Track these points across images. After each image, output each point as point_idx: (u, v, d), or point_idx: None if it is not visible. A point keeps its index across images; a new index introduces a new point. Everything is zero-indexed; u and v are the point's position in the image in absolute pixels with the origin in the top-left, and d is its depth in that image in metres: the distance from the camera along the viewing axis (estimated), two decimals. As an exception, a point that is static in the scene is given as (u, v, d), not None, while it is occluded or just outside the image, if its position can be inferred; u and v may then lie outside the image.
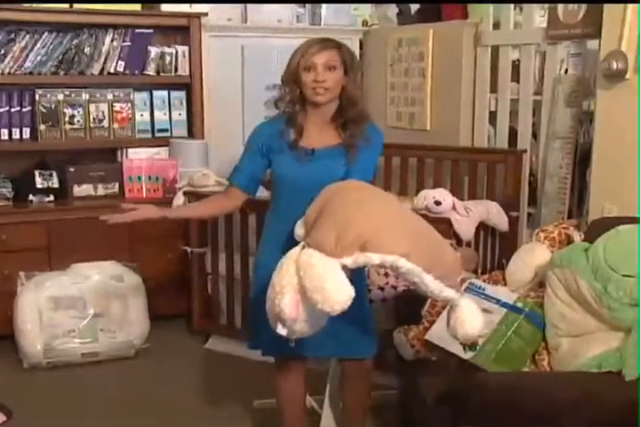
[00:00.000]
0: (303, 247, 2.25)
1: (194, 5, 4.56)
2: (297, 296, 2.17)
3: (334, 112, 2.70)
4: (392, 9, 5.23)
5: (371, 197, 2.40)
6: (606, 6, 3.36)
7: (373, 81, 5.03)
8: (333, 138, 2.70)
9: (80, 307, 3.98)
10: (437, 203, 3.78)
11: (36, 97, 4.35)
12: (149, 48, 4.54)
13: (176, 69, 4.62)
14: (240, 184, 2.78)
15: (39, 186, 4.34)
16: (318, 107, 2.67)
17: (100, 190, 4.49)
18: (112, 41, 4.43)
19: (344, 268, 2.19)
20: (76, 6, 4.29)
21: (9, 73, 4.25)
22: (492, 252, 4.09)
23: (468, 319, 2.30)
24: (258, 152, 2.73)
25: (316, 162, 2.65)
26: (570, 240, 2.90)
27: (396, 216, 2.38)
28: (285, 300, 2.16)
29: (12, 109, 4.32)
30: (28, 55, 4.26)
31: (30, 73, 4.29)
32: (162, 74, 4.60)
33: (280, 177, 2.71)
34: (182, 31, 4.60)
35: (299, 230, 2.42)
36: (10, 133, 4.32)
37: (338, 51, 2.63)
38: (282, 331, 2.23)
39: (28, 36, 4.26)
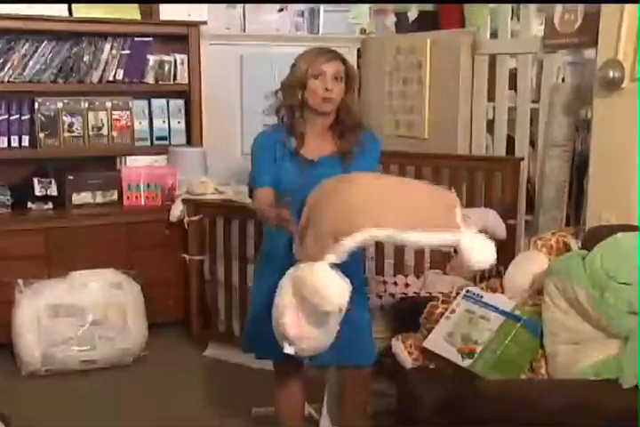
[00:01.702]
0: (296, 265, 2.32)
1: (192, 14, 4.57)
2: (297, 314, 2.24)
3: (332, 122, 2.72)
4: (390, 17, 5.25)
5: (342, 187, 2.39)
6: (603, 15, 3.38)
7: (371, 89, 5.05)
8: (330, 147, 2.73)
9: (78, 315, 3.98)
10: (435, 211, 3.78)
11: (36, 105, 4.36)
12: (148, 56, 4.56)
13: (175, 78, 4.64)
14: (268, 184, 2.70)
15: (38, 194, 4.34)
16: (319, 115, 2.69)
17: (99, 198, 4.49)
18: (111, 49, 4.45)
19: (334, 265, 2.23)
20: (76, 15, 4.31)
21: (8, 81, 4.26)
22: (490, 259, 4.09)
23: (477, 248, 2.35)
24: (272, 157, 2.71)
25: (314, 172, 2.66)
26: (567, 248, 2.90)
27: (369, 195, 2.36)
28: (286, 319, 2.23)
29: (12, 117, 4.34)
30: (27, 63, 4.28)
31: (30, 81, 4.30)
32: (161, 82, 4.62)
33: (281, 185, 2.71)
34: (181, 40, 4.62)
35: (295, 249, 2.43)
36: (9, 141, 4.34)
37: (343, 63, 2.68)
38: (289, 350, 2.29)
39: (27, 44, 4.28)
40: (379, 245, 3.88)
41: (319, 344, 2.32)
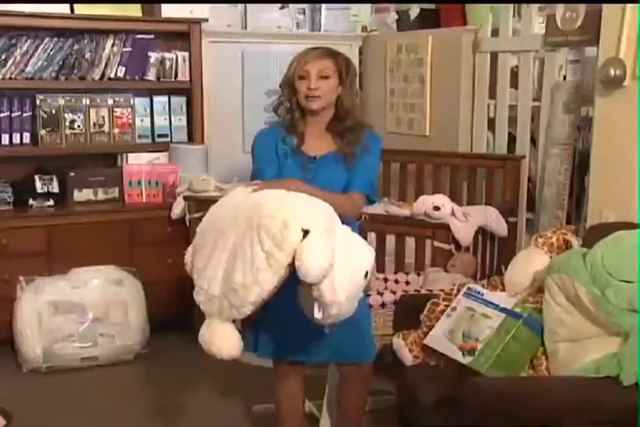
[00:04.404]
0: None
1: (194, 11, 4.57)
2: (331, 279, 2.21)
3: (330, 121, 2.72)
4: (391, 15, 5.25)
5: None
6: (604, 14, 3.39)
7: (372, 87, 5.05)
8: (331, 146, 2.73)
9: (80, 311, 3.99)
10: (436, 208, 3.80)
11: (37, 102, 4.36)
12: (150, 54, 4.55)
13: (176, 75, 4.64)
14: (271, 177, 2.64)
15: (39, 191, 4.34)
16: (314, 114, 2.70)
17: (100, 195, 4.49)
18: (112, 46, 4.44)
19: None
20: (77, 12, 4.31)
21: (10, 78, 4.25)
22: (491, 257, 4.11)
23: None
24: (274, 153, 2.71)
25: (318, 170, 2.68)
26: (568, 246, 2.91)
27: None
28: (324, 284, 2.21)
29: (13, 114, 4.32)
30: (29, 60, 4.27)
31: (31, 78, 4.29)
32: (162, 79, 4.61)
33: None
34: (182, 37, 4.61)
35: None
36: (10, 138, 4.33)
37: (333, 60, 2.67)
38: (318, 315, 2.26)
39: (29, 41, 4.27)
40: (380, 243, 3.89)
41: (344, 311, 2.29)
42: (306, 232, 2.21)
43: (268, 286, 2.24)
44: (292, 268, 2.21)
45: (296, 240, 2.20)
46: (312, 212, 2.31)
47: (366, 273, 2.30)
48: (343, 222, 2.42)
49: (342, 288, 2.22)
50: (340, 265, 2.22)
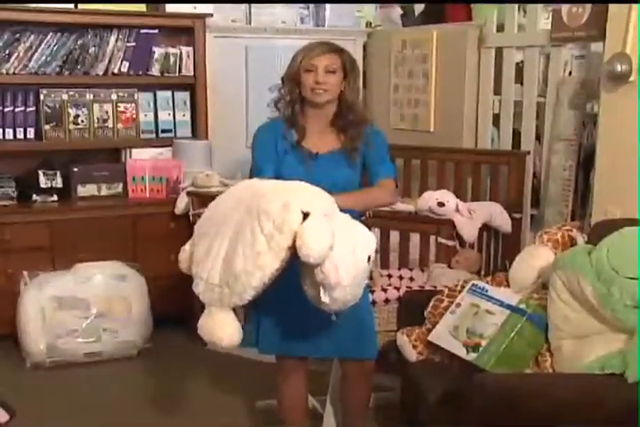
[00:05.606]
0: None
1: (198, 6, 4.56)
2: (333, 261, 2.22)
3: (333, 117, 2.72)
4: (396, 10, 5.23)
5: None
6: (611, 9, 3.37)
7: (377, 83, 5.04)
8: (334, 142, 2.73)
9: (83, 307, 3.99)
10: (441, 204, 3.79)
11: (41, 97, 4.35)
12: (154, 48, 4.54)
13: (180, 70, 4.63)
14: (271, 174, 2.65)
15: (43, 186, 4.33)
16: (317, 108, 2.70)
17: (104, 190, 4.48)
18: (116, 41, 4.43)
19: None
20: (81, 7, 4.30)
21: (14, 73, 4.25)
22: (495, 253, 4.10)
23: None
24: (274, 149, 2.71)
25: (319, 166, 2.67)
26: (573, 242, 2.90)
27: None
28: (327, 266, 2.21)
29: (17, 109, 4.32)
30: (32, 55, 4.27)
31: (35, 73, 4.29)
32: (166, 74, 4.61)
33: (284, 178, 2.70)
34: (187, 32, 4.61)
35: None
36: (14, 133, 4.32)
37: (339, 55, 2.68)
38: (325, 298, 2.26)
39: (32, 36, 4.26)
40: (384, 239, 3.88)
41: (350, 296, 2.29)
42: (306, 215, 2.22)
43: (269, 269, 2.24)
44: (292, 250, 2.21)
45: (296, 222, 2.21)
46: (311, 196, 2.32)
47: (369, 257, 2.31)
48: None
49: (346, 271, 2.23)
50: (342, 249, 2.23)
